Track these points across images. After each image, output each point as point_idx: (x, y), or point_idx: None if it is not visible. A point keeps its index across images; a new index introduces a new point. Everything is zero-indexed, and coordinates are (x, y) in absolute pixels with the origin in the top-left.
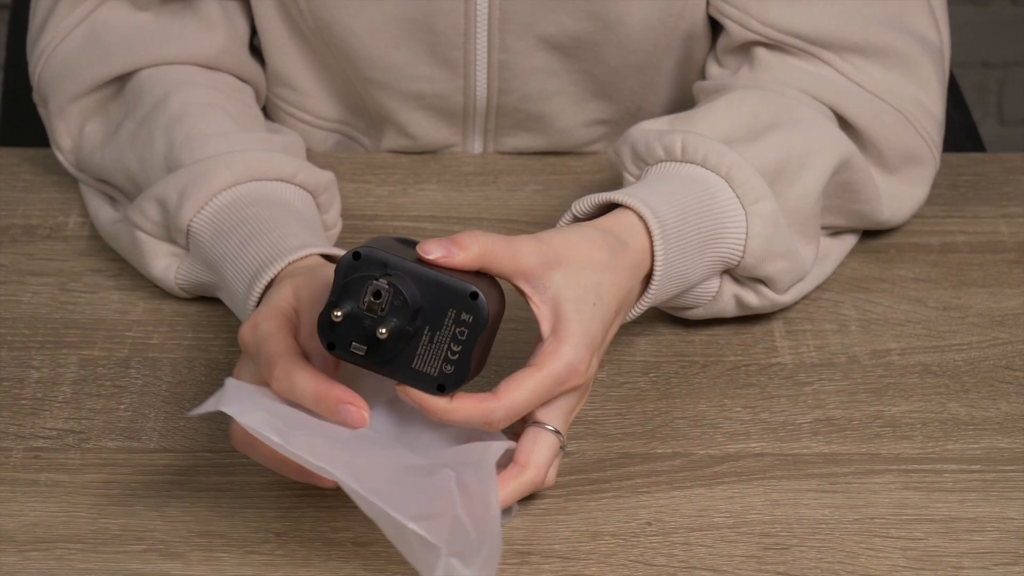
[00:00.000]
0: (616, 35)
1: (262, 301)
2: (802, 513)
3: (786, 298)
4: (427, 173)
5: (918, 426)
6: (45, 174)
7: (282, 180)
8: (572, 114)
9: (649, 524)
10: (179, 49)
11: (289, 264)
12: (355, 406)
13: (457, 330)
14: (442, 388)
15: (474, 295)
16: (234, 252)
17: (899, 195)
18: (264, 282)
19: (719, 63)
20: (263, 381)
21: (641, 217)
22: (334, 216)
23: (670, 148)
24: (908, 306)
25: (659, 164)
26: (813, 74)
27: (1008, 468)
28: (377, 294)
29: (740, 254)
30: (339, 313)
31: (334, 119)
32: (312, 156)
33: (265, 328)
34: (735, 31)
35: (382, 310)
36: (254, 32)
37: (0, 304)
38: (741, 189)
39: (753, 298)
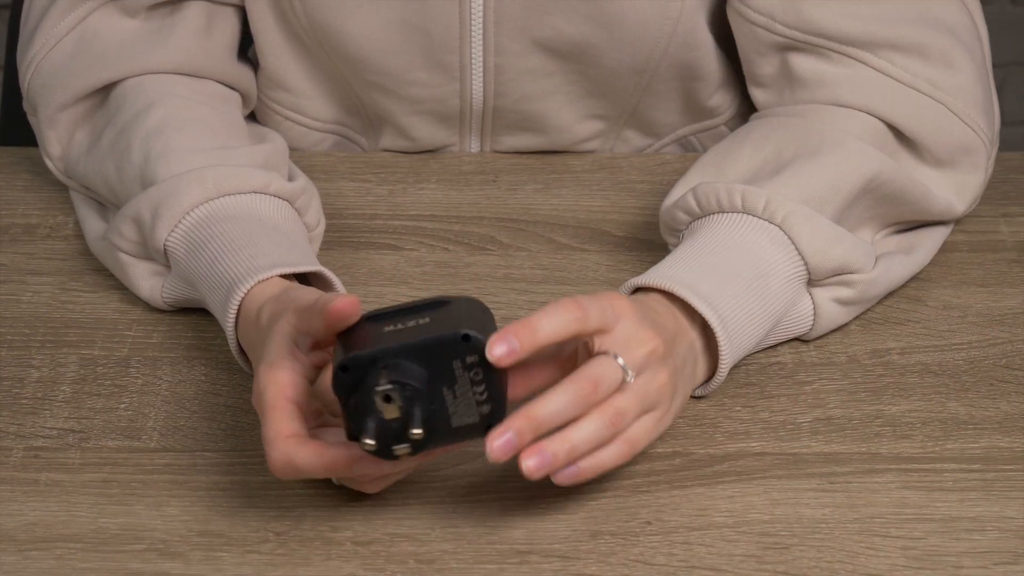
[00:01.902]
0: (612, 37)
1: (235, 335)
2: (802, 512)
3: (875, 273)
4: (427, 172)
5: (918, 425)
6: (45, 174)
7: (256, 191)
8: (568, 112)
9: (649, 523)
10: (165, 57)
11: (258, 283)
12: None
13: (471, 374)
14: (489, 426)
15: (465, 337)
16: (206, 270)
17: (955, 186)
18: (236, 302)
19: (759, 84)
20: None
21: (681, 299)
22: (314, 217)
23: (688, 209)
24: (908, 305)
25: (687, 228)
26: (851, 80)
27: (1008, 467)
28: (387, 398)
29: (801, 263)
30: (370, 441)
31: (330, 120)
32: (310, 156)
33: (268, 397)
34: (762, 36)
35: (400, 408)
36: (244, 38)
37: (0, 304)
38: (764, 210)
39: (846, 291)
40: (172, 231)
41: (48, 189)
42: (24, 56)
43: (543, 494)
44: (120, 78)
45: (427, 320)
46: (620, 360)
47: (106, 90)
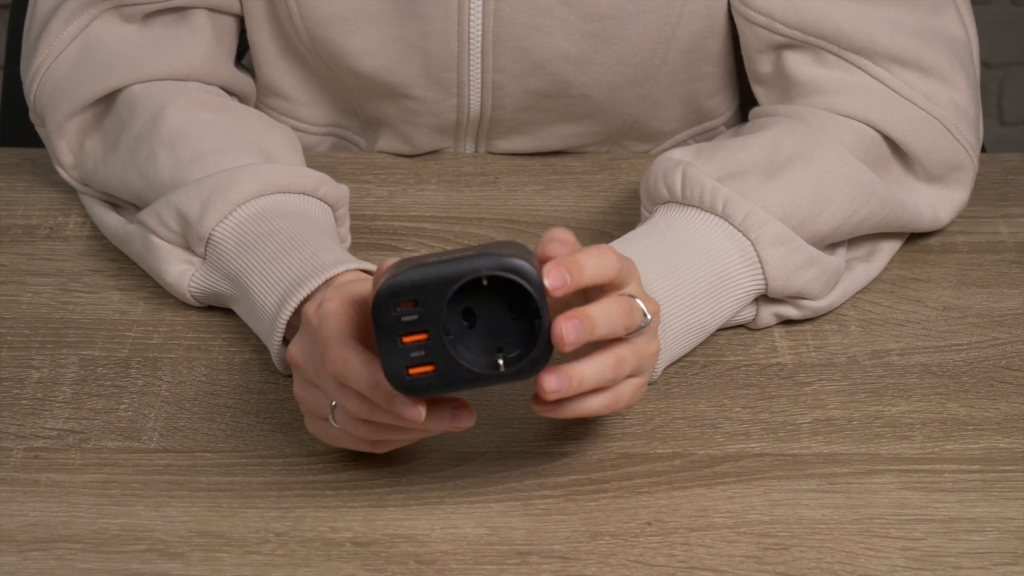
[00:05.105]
0: (614, 51)
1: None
2: (802, 513)
3: (825, 302)
4: (427, 173)
5: (918, 426)
6: (45, 174)
7: (305, 193)
8: (566, 126)
9: (649, 524)
10: (170, 64)
11: (325, 281)
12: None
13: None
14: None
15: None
16: (262, 266)
17: (940, 200)
18: (298, 299)
19: (760, 82)
20: (318, 360)
21: None
22: (346, 231)
23: (671, 187)
24: (908, 306)
25: (664, 207)
26: (850, 89)
27: (1007, 468)
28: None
29: (762, 282)
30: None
31: (328, 123)
32: (310, 157)
33: (328, 308)
34: (763, 36)
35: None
36: (241, 47)
37: (0, 304)
38: (741, 222)
39: (793, 311)
40: (222, 222)
41: (48, 190)
42: (28, 68)
43: (543, 494)
44: (126, 84)
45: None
46: (640, 303)
47: (112, 96)
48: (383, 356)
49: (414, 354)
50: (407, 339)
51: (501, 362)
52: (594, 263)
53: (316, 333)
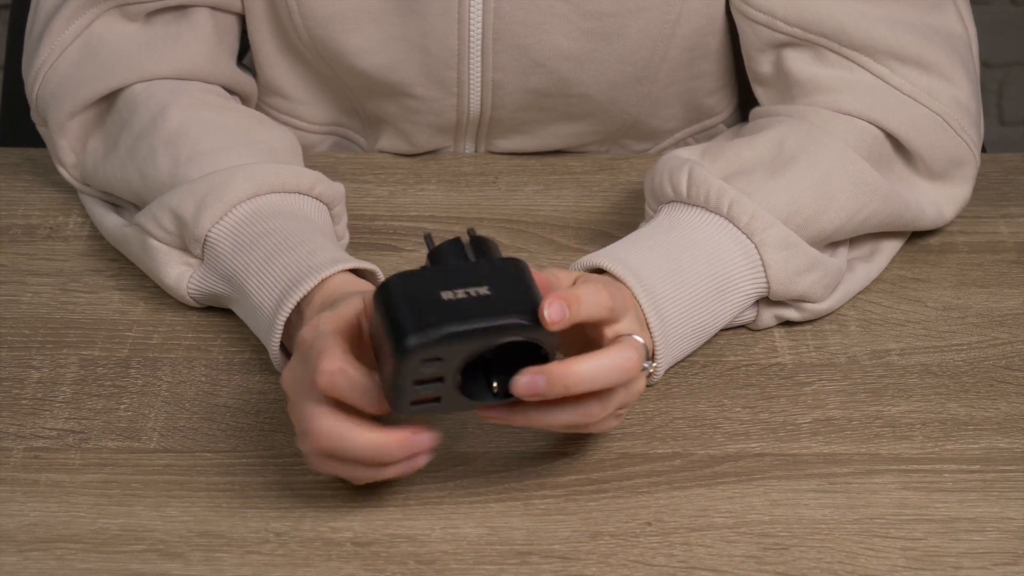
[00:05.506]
0: (613, 49)
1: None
2: (802, 513)
3: (826, 305)
4: (427, 173)
5: (918, 426)
6: (45, 174)
7: (300, 192)
8: (565, 126)
9: (649, 524)
10: (172, 62)
11: (322, 281)
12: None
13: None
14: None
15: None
16: (259, 266)
17: (944, 197)
18: (296, 299)
19: (761, 82)
20: (306, 385)
21: (627, 284)
22: (343, 227)
23: (677, 187)
24: (908, 306)
25: (668, 206)
26: (852, 87)
27: (1007, 468)
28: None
29: (764, 285)
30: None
31: (328, 122)
32: (311, 156)
33: (325, 327)
34: (764, 34)
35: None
36: (243, 47)
37: (0, 304)
38: (746, 225)
39: (794, 314)
40: (217, 223)
41: (48, 190)
42: (30, 67)
43: (543, 494)
44: (128, 83)
45: (485, 291)
46: (640, 340)
47: (114, 95)
48: (396, 395)
49: (424, 393)
50: (421, 381)
51: (495, 385)
52: (589, 300)
53: (309, 352)
